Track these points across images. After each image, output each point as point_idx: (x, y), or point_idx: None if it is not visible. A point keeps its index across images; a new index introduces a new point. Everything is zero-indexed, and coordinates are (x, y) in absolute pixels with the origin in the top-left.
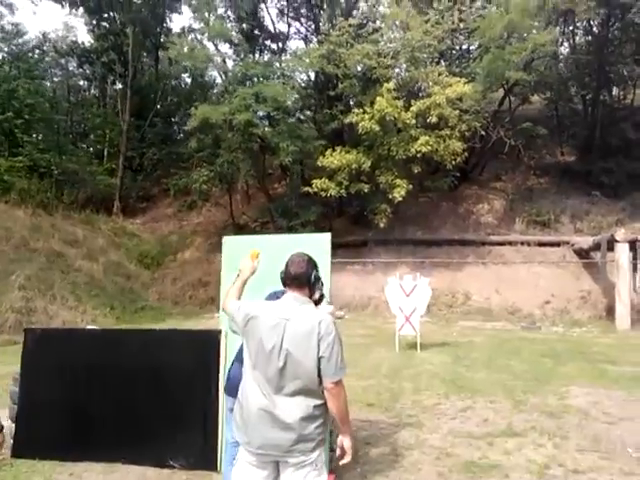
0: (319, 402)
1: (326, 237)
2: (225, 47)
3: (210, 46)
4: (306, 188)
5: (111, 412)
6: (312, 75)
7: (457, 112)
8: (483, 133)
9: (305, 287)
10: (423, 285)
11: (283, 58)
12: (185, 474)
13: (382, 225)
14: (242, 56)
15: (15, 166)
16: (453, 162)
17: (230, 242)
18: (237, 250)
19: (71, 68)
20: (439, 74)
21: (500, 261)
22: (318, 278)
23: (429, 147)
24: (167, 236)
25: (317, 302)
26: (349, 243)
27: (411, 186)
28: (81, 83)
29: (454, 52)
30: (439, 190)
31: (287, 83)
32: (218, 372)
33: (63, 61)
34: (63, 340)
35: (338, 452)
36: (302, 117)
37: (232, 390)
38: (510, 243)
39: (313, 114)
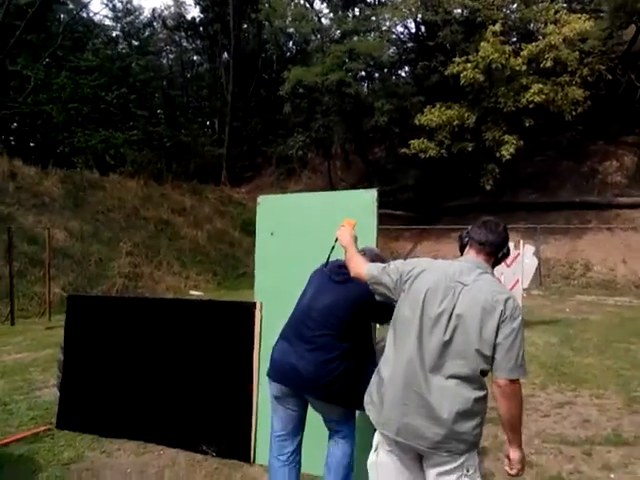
0: (481, 394)
1: (372, 194)
2: (322, 6)
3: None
4: (403, 150)
5: (147, 388)
6: (411, 26)
7: (577, 54)
8: (610, 77)
9: (492, 258)
10: (527, 254)
11: (379, 10)
12: (216, 462)
13: (489, 188)
14: (338, 13)
15: (129, 139)
16: (573, 113)
17: (266, 202)
18: (273, 210)
19: (185, 44)
20: (556, 12)
21: (629, 226)
22: (505, 255)
23: (543, 96)
24: None
25: None
26: (452, 208)
27: (522, 142)
28: (195, 58)
29: None
30: (557, 146)
31: (383, 37)
32: (252, 351)
33: (177, 38)
34: (104, 308)
35: (506, 466)
36: (400, 73)
37: (277, 374)
38: None
39: (412, 69)
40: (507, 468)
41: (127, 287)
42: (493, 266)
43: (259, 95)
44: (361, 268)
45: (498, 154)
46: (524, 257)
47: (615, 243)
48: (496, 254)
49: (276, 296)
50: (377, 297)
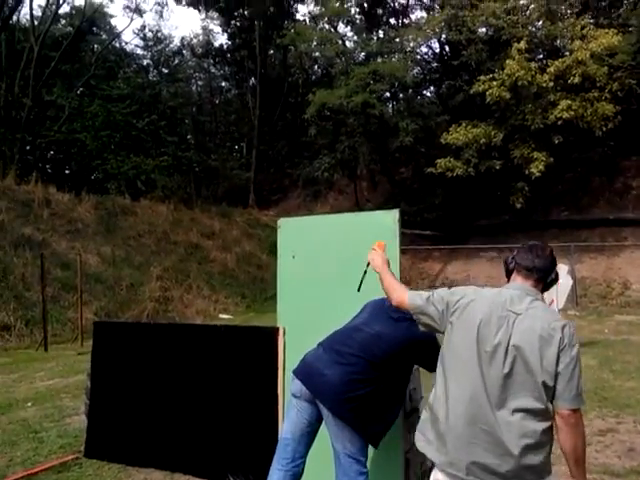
0: (546, 425)
1: (393, 215)
2: (345, 29)
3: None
4: (430, 169)
5: (173, 416)
6: (435, 46)
7: (606, 69)
8: None
9: (540, 283)
10: (561, 274)
11: (403, 32)
12: None
13: (519, 206)
14: (363, 35)
15: (160, 165)
16: (604, 129)
17: (287, 225)
18: (294, 233)
19: (213, 71)
20: (582, 27)
21: None
22: (554, 280)
23: (572, 113)
24: None
25: None
26: (482, 227)
27: (552, 159)
28: (223, 84)
29: (602, 1)
30: (588, 163)
31: (407, 57)
32: (277, 377)
33: (205, 65)
34: (130, 335)
35: None
36: (425, 92)
37: (302, 373)
38: None
39: (436, 89)
40: None
41: (158, 311)
42: (542, 291)
43: (285, 119)
44: (403, 296)
45: (527, 172)
46: (559, 276)
47: None
48: (545, 279)
49: (299, 320)
50: (420, 327)
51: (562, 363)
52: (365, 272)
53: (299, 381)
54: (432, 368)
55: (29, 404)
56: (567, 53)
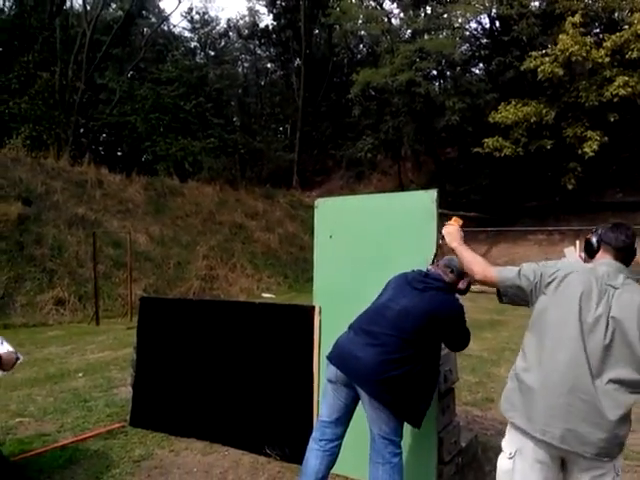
0: (638, 397)
1: (431, 195)
2: (392, 6)
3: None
4: (477, 149)
5: (214, 389)
6: (485, 21)
7: None
8: None
9: (628, 263)
10: None
11: (451, 7)
12: (279, 466)
13: (571, 187)
14: (410, 12)
15: (206, 147)
16: None
17: (324, 205)
18: (331, 213)
19: (259, 52)
20: None
21: None
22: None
23: (629, 89)
24: None
25: None
26: (531, 209)
27: (607, 138)
28: (268, 66)
29: None
30: None
31: (455, 34)
32: (312, 355)
33: (251, 46)
34: (173, 310)
35: None
36: (473, 70)
37: (336, 358)
38: None
39: (485, 66)
40: None
41: (203, 289)
42: None
43: (329, 99)
44: (489, 270)
45: (580, 151)
46: None
47: None
48: (631, 259)
49: (335, 299)
50: (504, 299)
51: None
52: (439, 247)
53: (334, 366)
54: (455, 345)
55: (80, 374)
56: (625, 27)
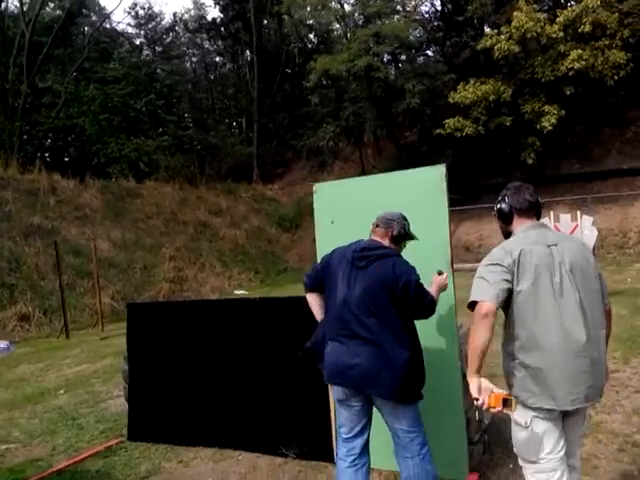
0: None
1: (440, 171)
2: None
3: None
4: (438, 130)
5: (219, 392)
6: (437, 4)
7: (616, 16)
8: None
9: (539, 217)
10: (586, 225)
11: None
12: (298, 465)
13: (530, 162)
14: None
15: (161, 145)
16: (615, 78)
17: (323, 190)
18: (331, 198)
19: (206, 46)
20: None
21: None
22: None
23: (583, 62)
24: (303, 198)
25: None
26: (493, 186)
27: (563, 112)
28: (217, 59)
29: None
30: (599, 114)
31: (409, 17)
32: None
33: (199, 40)
34: (166, 314)
35: None
36: (429, 53)
37: (335, 377)
38: None
39: (440, 48)
40: None
41: (173, 291)
42: None
43: (284, 89)
44: (485, 307)
45: (539, 126)
46: (583, 228)
47: None
48: (541, 212)
49: None
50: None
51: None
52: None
53: (337, 386)
54: (420, 310)
55: (61, 391)
56: (573, 3)
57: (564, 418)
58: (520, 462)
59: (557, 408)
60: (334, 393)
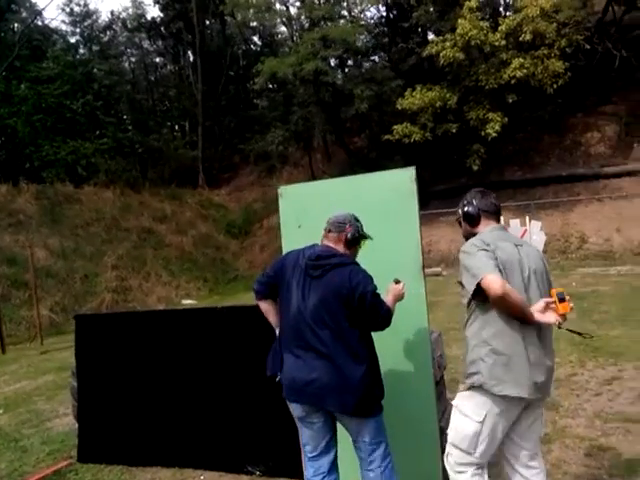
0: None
1: (410, 173)
2: None
3: None
4: (386, 136)
5: (178, 409)
6: (382, 10)
7: (554, 26)
8: (588, 47)
9: (499, 221)
10: (534, 230)
11: None
12: None
13: (476, 168)
14: (305, 1)
15: (100, 148)
16: (554, 86)
17: (288, 192)
18: (297, 200)
19: (146, 46)
20: None
21: (619, 195)
22: None
23: (525, 71)
24: (251, 204)
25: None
26: (440, 192)
27: (507, 119)
28: (157, 60)
29: None
30: (538, 121)
31: (355, 22)
32: None
33: (137, 40)
34: (116, 326)
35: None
36: (376, 59)
37: (293, 393)
38: (629, 174)
39: (387, 54)
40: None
41: (117, 302)
42: None
43: (229, 92)
44: (497, 284)
45: (483, 133)
46: (532, 233)
47: (607, 213)
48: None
49: None
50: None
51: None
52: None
53: (295, 403)
54: (376, 322)
55: (0, 411)
56: (509, 13)
57: (523, 412)
58: (449, 447)
59: (523, 396)
60: (293, 410)
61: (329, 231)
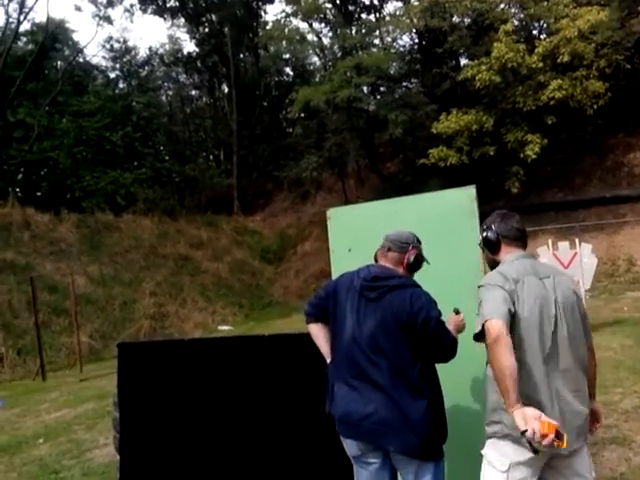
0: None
1: (470, 192)
2: (320, 26)
3: (304, 26)
4: (422, 160)
5: (224, 443)
6: (415, 37)
7: (593, 46)
8: (629, 67)
9: (525, 247)
10: (585, 253)
11: (382, 23)
12: None
13: (515, 191)
14: (337, 30)
15: (138, 178)
16: (594, 107)
17: (338, 215)
18: (347, 224)
19: (182, 79)
20: (564, 6)
21: None
22: None
23: (563, 92)
24: (285, 229)
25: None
26: (479, 215)
27: (546, 141)
28: (193, 93)
29: None
30: (578, 143)
31: (388, 49)
32: None
33: (174, 74)
34: (161, 354)
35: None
36: (409, 84)
37: (348, 429)
38: None
39: (421, 79)
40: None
41: (154, 328)
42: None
43: (263, 121)
44: (496, 332)
45: (522, 155)
46: (582, 257)
47: None
48: (527, 241)
49: None
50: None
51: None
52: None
53: (349, 439)
54: (441, 352)
55: (40, 440)
56: (553, 32)
57: (555, 462)
58: None
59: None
60: (347, 449)
61: (388, 249)
